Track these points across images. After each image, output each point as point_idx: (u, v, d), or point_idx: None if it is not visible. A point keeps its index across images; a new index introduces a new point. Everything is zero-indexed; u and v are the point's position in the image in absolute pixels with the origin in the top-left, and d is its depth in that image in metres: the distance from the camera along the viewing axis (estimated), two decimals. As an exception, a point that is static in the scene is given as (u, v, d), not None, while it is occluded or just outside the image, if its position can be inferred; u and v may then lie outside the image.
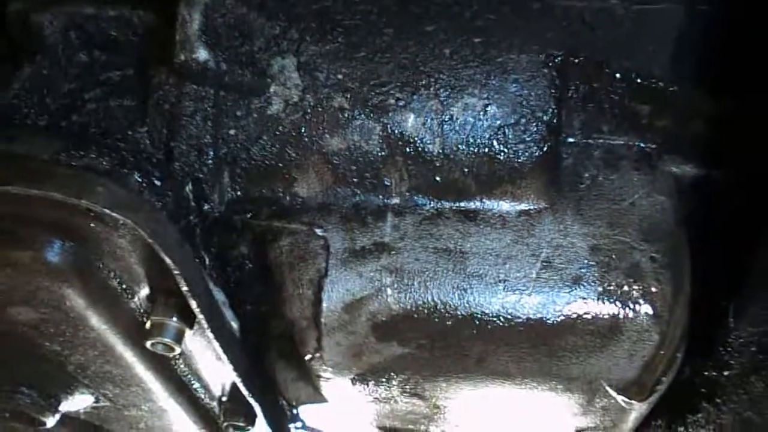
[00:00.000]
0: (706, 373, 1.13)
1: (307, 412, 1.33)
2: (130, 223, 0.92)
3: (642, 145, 1.16)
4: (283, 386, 1.28)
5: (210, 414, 1.54)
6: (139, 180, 1.02)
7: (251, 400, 1.36)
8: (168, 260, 0.98)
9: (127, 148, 1.04)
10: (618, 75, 1.11)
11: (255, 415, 1.49)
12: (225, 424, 1.58)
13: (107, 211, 0.90)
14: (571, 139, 1.16)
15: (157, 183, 1.05)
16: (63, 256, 1.05)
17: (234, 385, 1.47)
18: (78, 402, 1.45)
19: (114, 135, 1.06)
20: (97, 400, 1.46)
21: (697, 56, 1.12)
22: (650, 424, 1.36)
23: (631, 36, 1.12)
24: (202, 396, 1.49)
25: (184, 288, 1.03)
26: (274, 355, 1.27)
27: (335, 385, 1.19)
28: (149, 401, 1.44)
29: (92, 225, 1.01)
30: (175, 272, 1.00)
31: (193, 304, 1.07)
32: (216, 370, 1.44)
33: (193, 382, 1.44)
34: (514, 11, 1.11)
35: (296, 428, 1.42)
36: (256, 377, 1.35)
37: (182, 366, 1.38)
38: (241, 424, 1.57)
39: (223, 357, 1.23)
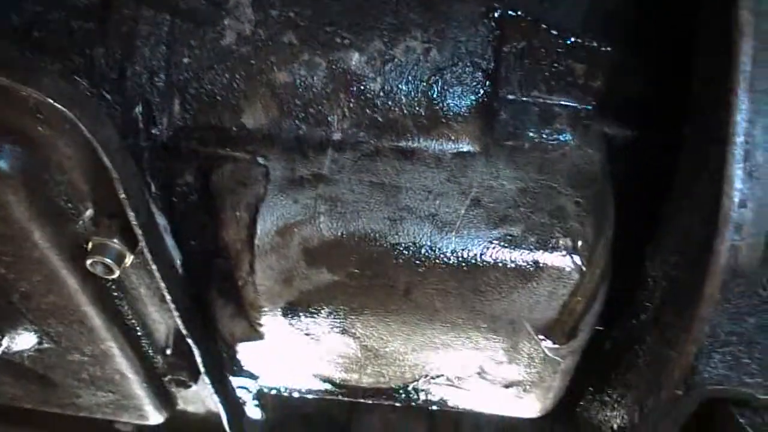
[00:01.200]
0: (625, 325, 1.16)
1: (244, 354, 1.35)
2: (72, 118, 0.96)
3: (577, 105, 1.21)
4: (221, 325, 1.30)
5: (153, 366, 1.55)
6: (89, 87, 1.06)
7: (189, 341, 1.37)
8: (106, 161, 1.01)
9: (82, 62, 1.09)
10: (554, 32, 1.18)
11: (198, 371, 1.50)
12: (168, 377, 1.59)
13: (50, 101, 0.94)
14: (510, 96, 1.21)
15: (107, 96, 1.09)
16: (10, 161, 1.09)
17: (177, 337, 1.49)
18: (22, 341, 1.46)
19: (71, 50, 1.11)
20: (40, 341, 1.47)
21: (631, 19, 1.19)
22: (581, 396, 1.38)
23: None
24: (146, 345, 1.50)
25: (122, 194, 1.06)
26: (214, 294, 1.29)
27: (268, 318, 1.22)
28: (91, 343, 1.44)
29: (40, 129, 1.05)
30: (114, 176, 1.04)
31: (131, 216, 1.10)
32: (161, 318, 1.46)
33: (137, 327, 1.45)
34: (458, -39, 1.18)
35: (232, 375, 1.43)
36: (197, 318, 1.36)
37: (125, 305, 1.40)
38: (184, 378, 1.58)
39: (162, 286, 1.25)
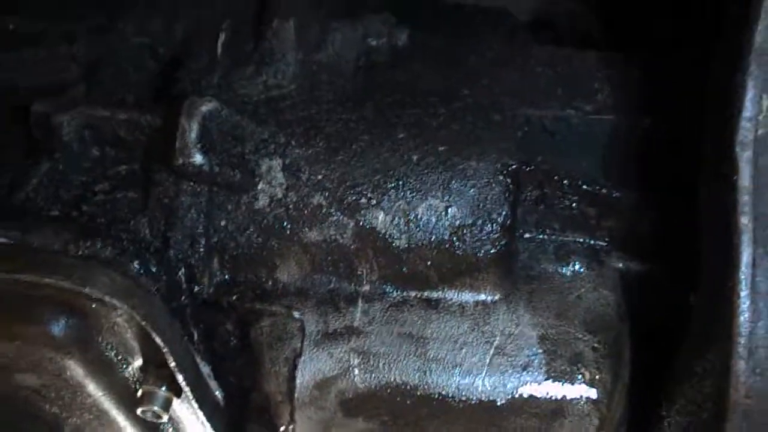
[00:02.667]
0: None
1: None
2: (126, 309, 1.05)
3: (591, 242, 1.29)
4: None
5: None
6: (138, 267, 1.15)
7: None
8: (158, 340, 1.11)
9: (128, 237, 1.18)
10: (566, 182, 1.25)
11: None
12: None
13: (107, 298, 1.03)
14: (527, 235, 1.29)
15: (153, 269, 1.18)
16: (66, 331, 1.18)
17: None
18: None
19: (118, 224, 1.20)
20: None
21: (638, 165, 1.26)
22: None
23: (579, 144, 1.27)
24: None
25: (172, 364, 1.16)
26: (254, 426, 1.38)
27: (308, 455, 1.30)
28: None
29: (93, 306, 1.14)
30: (164, 350, 1.13)
31: (180, 378, 1.19)
32: (203, 437, 1.54)
33: (181, 449, 1.54)
34: (475, 122, 1.26)
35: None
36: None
37: (170, 431, 1.49)
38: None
39: (207, 424, 1.34)
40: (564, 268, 1.27)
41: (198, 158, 1.15)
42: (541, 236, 1.29)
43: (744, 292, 0.85)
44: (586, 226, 1.28)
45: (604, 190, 1.26)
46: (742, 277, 0.86)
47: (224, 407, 1.41)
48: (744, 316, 0.86)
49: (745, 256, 0.86)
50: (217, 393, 1.39)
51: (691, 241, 1.15)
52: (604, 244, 1.28)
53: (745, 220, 0.86)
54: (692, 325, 1.07)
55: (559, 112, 1.29)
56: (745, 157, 0.90)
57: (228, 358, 1.32)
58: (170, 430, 1.49)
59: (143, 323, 1.07)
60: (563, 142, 1.27)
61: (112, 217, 1.20)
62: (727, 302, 0.87)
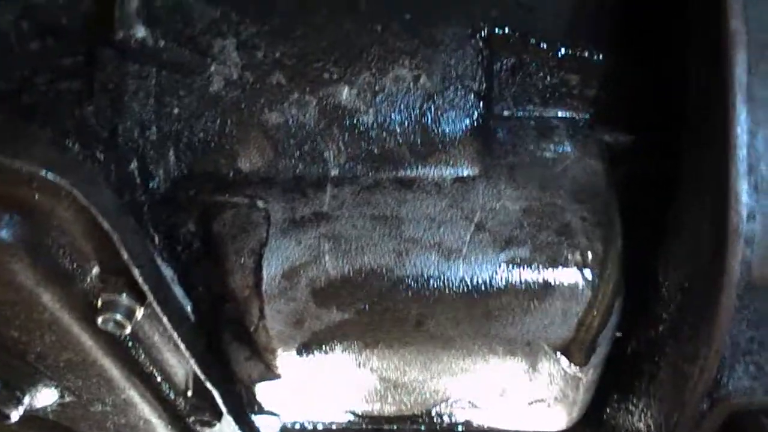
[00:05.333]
0: (643, 335, 1.14)
1: (263, 394, 1.35)
2: (66, 187, 0.96)
3: (574, 116, 1.20)
4: (237, 368, 1.30)
5: (176, 409, 1.55)
6: (82, 150, 1.06)
7: (208, 385, 1.37)
8: (105, 224, 1.01)
9: (72, 124, 1.09)
10: (543, 45, 1.16)
11: (221, 410, 1.50)
12: (191, 419, 1.59)
13: (42, 173, 0.94)
14: (505, 113, 1.20)
15: (100, 156, 1.09)
16: (10, 230, 1.09)
17: (197, 379, 1.49)
18: (43, 397, 1.47)
19: (61, 113, 1.10)
20: (62, 395, 1.47)
21: (619, 24, 1.17)
22: (607, 402, 1.36)
23: (554, 5, 1.18)
24: (166, 390, 1.50)
25: (125, 255, 1.06)
26: (228, 337, 1.29)
27: (284, 359, 1.21)
28: (112, 393, 1.45)
29: (36, 196, 1.05)
30: (113, 237, 1.04)
31: (136, 272, 1.10)
32: (178, 363, 1.46)
33: (155, 373, 1.45)
34: (442, -14, 1.16)
35: (254, 413, 1.43)
36: (213, 362, 1.36)
37: (142, 354, 1.40)
38: (207, 418, 1.58)
39: (175, 335, 1.25)
40: (546, 143, 1.18)
41: (140, 30, 1.06)
42: (520, 113, 1.20)
43: (740, 98, 0.76)
44: (568, 98, 1.19)
45: (585, 53, 1.17)
46: (737, 83, 0.77)
47: (195, 321, 1.33)
48: (741, 127, 0.76)
49: (740, 60, 0.77)
50: (184, 303, 1.30)
51: (682, 103, 1.06)
52: (588, 116, 1.19)
53: (736, 24, 0.77)
54: (683, 174, 0.97)
55: None
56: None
57: (194, 262, 1.23)
58: (141, 353, 1.40)
59: (85, 204, 0.97)
60: (537, 4, 1.17)
61: (55, 106, 1.11)
62: (722, 112, 0.77)
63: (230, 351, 1.29)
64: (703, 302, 0.89)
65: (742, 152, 0.77)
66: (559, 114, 1.20)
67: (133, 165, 1.13)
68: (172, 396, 1.52)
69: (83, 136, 1.07)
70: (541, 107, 1.20)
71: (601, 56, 1.17)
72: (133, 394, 1.45)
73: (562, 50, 1.17)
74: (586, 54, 1.17)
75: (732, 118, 0.76)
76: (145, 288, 1.14)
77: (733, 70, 0.77)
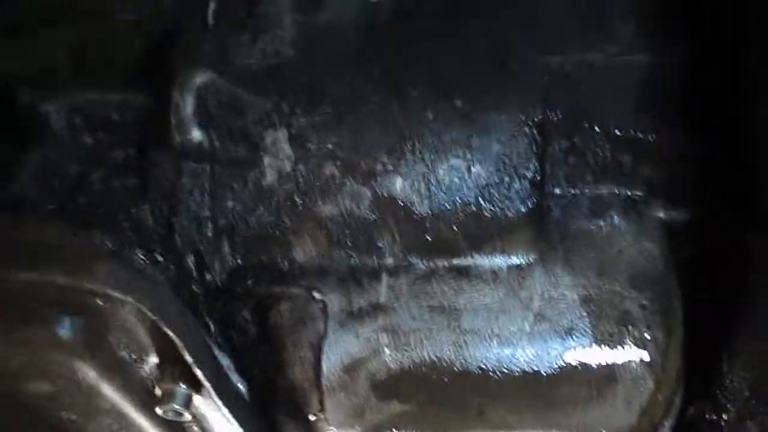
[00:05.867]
0: (707, 416, 1.13)
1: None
2: (133, 303, 0.97)
3: (628, 192, 1.18)
4: (294, 446, 1.31)
5: (227, 477, 1.56)
6: (142, 257, 1.07)
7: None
8: (171, 333, 1.02)
9: (130, 227, 1.10)
10: (596, 129, 1.15)
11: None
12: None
13: (109, 291, 0.95)
14: (557, 191, 1.19)
15: (160, 258, 1.10)
16: (73, 332, 1.10)
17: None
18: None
19: (118, 214, 1.11)
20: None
21: (674, 103, 1.16)
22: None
23: (607, 88, 1.16)
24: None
25: (188, 358, 1.07)
26: (283, 418, 1.30)
27: (342, 444, 1.22)
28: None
29: (99, 302, 1.06)
30: (178, 344, 1.05)
31: (198, 372, 1.11)
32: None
33: (207, 444, 1.47)
34: (491, 72, 1.16)
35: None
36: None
37: (195, 429, 1.41)
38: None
39: (231, 420, 1.26)
40: (601, 223, 1.16)
41: (196, 134, 1.06)
42: (573, 191, 1.19)
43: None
44: (622, 176, 1.18)
45: (639, 135, 1.15)
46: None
47: (249, 400, 1.34)
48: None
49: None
50: (239, 385, 1.31)
51: (740, 180, 1.05)
52: (643, 193, 1.18)
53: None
54: (752, 265, 0.96)
55: (580, 57, 1.19)
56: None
57: (248, 347, 1.24)
58: (195, 427, 1.41)
59: (153, 317, 0.98)
60: (590, 87, 1.16)
61: (111, 206, 1.12)
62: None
63: (286, 430, 1.30)
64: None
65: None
66: (613, 191, 1.19)
67: (190, 260, 1.14)
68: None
69: (142, 241, 1.08)
70: (593, 185, 1.18)
71: (654, 137, 1.16)
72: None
73: (616, 132, 1.15)
74: (640, 135, 1.16)
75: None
76: (204, 381, 1.15)
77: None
